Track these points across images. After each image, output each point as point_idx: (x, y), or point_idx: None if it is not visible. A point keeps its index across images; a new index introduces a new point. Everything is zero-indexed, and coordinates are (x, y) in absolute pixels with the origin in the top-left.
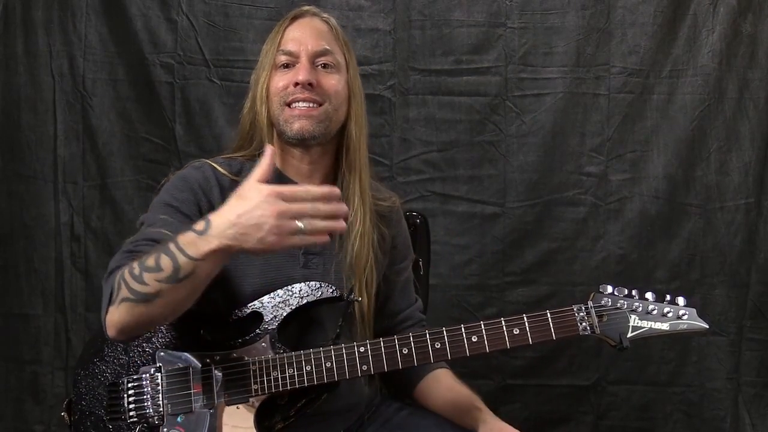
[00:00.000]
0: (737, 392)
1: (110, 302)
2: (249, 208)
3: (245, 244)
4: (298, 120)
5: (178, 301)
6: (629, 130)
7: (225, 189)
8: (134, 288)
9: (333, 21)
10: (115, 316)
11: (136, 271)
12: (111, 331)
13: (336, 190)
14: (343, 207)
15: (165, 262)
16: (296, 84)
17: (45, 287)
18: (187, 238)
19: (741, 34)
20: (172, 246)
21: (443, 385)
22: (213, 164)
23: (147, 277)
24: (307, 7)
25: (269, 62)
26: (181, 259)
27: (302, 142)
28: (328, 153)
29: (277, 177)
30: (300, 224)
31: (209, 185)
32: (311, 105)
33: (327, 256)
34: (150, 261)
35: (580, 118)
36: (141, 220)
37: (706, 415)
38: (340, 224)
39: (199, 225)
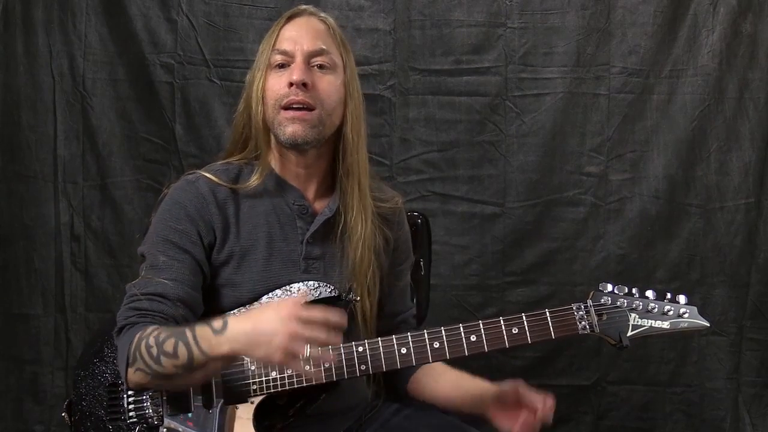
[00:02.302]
0: (737, 392)
1: (128, 364)
2: (266, 321)
3: (253, 353)
4: (291, 123)
5: (190, 383)
6: (629, 130)
7: (221, 201)
8: (151, 366)
9: (330, 20)
10: (134, 379)
11: (154, 351)
12: (131, 387)
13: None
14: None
15: (181, 351)
16: (291, 84)
17: (45, 287)
18: (203, 333)
19: (741, 34)
20: (189, 336)
21: (435, 371)
22: (208, 175)
23: (164, 360)
24: (304, 6)
25: (264, 62)
26: (196, 352)
27: (295, 147)
28: (324, 156)
29: (276, 181)
30: (307, 352)
31: (204, 203)
32: (305, 110)
33: (328, 260)
34: (167, 346)
35: (580, 118)
36: (141, 252)
37: (706, 415)
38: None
39: (217, 323)
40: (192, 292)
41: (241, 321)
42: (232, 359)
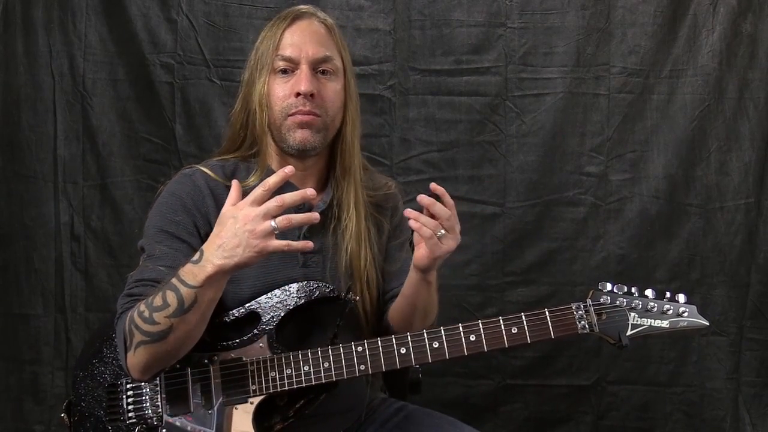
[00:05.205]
0: (737, 392)
1: (126, 349)
2: (227, 226)
3: (234, 259)
4: (300, 129)
5: (189, 332)
6: (629, 130)
7: (218, 195)
8: (147, 330)
9: (330, 21)
10: (135, 360)
11: (146, 313)
12: (135, 374)
13: (288, 168)
14: (307, 191)
15: (170, 297)
16: (297, 94)
17: (45, 287)
18: (185, 270)
19: (741, 34)
20: (174, 280)
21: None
22: (204, 170)
23: (157, 316)
24: (305, 8)
25: (267, 65)
26: (183, 290)
27: (302, 153)
28: (322, 156)
29: None
30: (272, 223)
31: (201, 195)
32: (311, 114)
33: (326, 253)
34: (157, 300)
35: (580, 118)
36: (140, 245)
37: (706, 415)
38: (313, 215)
39: (195, 256)
40: None
41: (211, 240)
42: (220, 281)
